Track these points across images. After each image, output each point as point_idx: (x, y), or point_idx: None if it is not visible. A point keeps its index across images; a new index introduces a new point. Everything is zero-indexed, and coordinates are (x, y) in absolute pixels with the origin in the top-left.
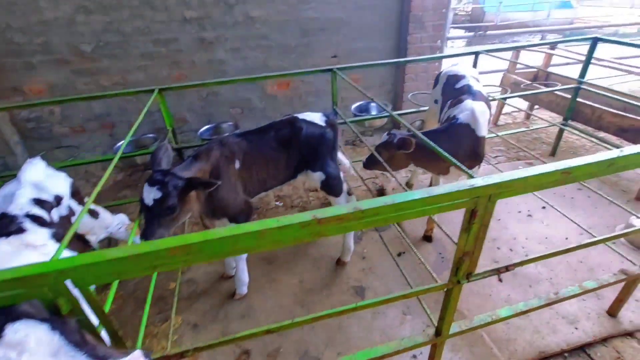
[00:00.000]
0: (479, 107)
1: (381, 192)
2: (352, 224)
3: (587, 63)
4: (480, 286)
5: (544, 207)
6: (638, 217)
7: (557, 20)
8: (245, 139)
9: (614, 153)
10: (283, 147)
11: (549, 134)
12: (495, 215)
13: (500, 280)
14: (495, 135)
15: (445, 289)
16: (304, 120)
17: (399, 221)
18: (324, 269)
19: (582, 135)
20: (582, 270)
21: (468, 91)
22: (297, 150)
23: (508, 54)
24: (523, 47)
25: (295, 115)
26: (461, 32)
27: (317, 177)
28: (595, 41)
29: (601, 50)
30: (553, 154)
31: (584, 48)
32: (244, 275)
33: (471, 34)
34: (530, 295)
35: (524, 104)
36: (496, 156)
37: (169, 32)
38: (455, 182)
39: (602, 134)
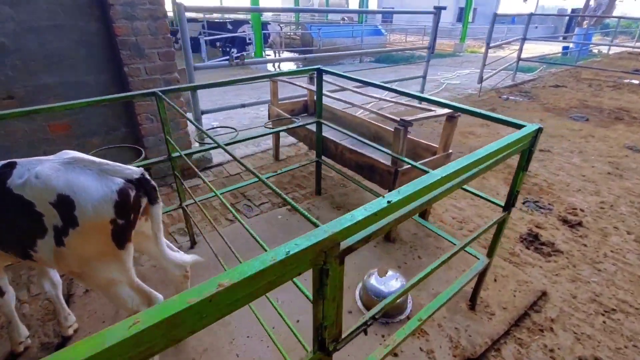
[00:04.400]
0: None
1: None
2: None
3: (319, 94)
4: None
5: None
6: None
7: (373, 45)
8: None
9: None
10: None
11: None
12: None
13: None
14: (271, 174)
15: None
16: None
17: None
18: None
19: (333, 172)
20: None
21: None
22: None
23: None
24: (247, 80)
25: None
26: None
27: None
28: (319, 72)
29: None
30: (318, 192)
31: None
32: None
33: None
34: None
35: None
36: (262, 203)
37: None
38: None
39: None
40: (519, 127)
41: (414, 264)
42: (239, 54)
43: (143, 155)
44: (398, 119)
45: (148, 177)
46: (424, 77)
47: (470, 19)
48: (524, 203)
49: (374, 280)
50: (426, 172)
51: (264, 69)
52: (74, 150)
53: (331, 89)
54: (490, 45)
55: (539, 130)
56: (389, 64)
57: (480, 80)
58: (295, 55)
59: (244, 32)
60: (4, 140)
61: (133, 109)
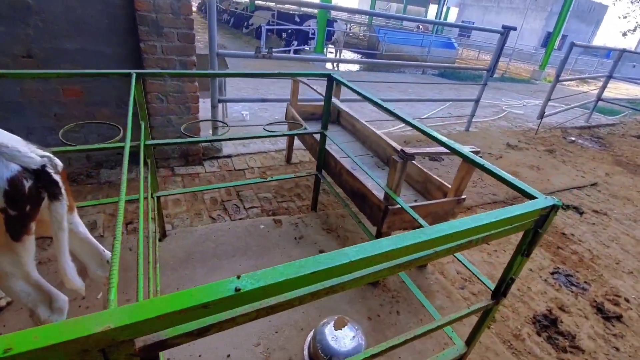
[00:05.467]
0: None
1: None
2: None
3: (327, 103)
4: None
5: None
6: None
7: (442, 58)
8: None
9: None
10: None
11: None
12: None
13: None
14: (266, 179)
15: None
16: None
17: None
18: None
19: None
20: None
21: None
22: None
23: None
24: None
25: None
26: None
27: None
28: (330, 79)
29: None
30: (314, 207)
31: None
32: None
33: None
34: None
35: None
36: (252, 207)
37: None
38: None
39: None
40: (530, 197)
41: (389, 319)
42: (298, 48)
43: (120, 135)
44: (399, 148)
45: (49, 170)
46: (477, 101)
47: (556, 46)
48: (552, 274)
49: (327, 332)
50: (414, 219)
51: (321, 66)
52: (84, 117)
53: (354, 97)
54: (570, 78)
55: (554, 208)
56: (453, 80)
57: (541, 115)
58: (357, 57)
59: (308, 26)
60: (18, 97)
61: (144, 87)
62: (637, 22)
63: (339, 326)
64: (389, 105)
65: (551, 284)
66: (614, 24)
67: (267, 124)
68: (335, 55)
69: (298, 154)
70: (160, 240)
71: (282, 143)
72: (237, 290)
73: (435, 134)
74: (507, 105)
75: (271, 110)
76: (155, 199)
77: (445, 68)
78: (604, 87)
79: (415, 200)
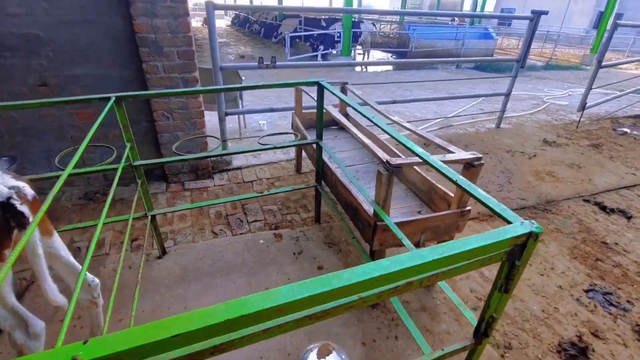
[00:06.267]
0: None
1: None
2: None
3: (319, 110)
4: None
5: None
6: None
7: (479, 50)
8: None
9: None
10: None
11: None
12: None
13: None
14: (262, 194)
15: None
16: None
17: None
18: None
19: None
20: None
21: None
22: None
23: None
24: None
25: None
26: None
27: None
28: (320, 86)
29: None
30: (317, 219)
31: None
32: None
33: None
34: None
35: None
36: (255, 220)
37: None
38: None
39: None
40: (508, 222)
41: (385, 345)
42: (324, 52)
43: (114, 156)
44: (385, 159)
45: (14, 202)
46: (507, 94)
47: (609, 26)
48: (587, 291)
49: None
50: (399, 239)
51: (348, 70)
52: (98, 139)
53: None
54: (617, 62)
55: (531, 235)
56: (490, 72)
57: (582, 106)
58: (385, 57)
59: (334, 29)
60: (38, 123)
61: (149, 106)
62: None
63: (322, 354)
64: (367, 113)
65: (584, 304)
66: None
67: (262, 136)
68: (364, 57)
69: (309, 163)
70: (160, 257)
71: (293, 153)
72: None
73: (409, 143)
74: (549, 96)
75: (290, 118)
76: (150, 217)
77: (472, 62)
78: None
79: (419, 212)
